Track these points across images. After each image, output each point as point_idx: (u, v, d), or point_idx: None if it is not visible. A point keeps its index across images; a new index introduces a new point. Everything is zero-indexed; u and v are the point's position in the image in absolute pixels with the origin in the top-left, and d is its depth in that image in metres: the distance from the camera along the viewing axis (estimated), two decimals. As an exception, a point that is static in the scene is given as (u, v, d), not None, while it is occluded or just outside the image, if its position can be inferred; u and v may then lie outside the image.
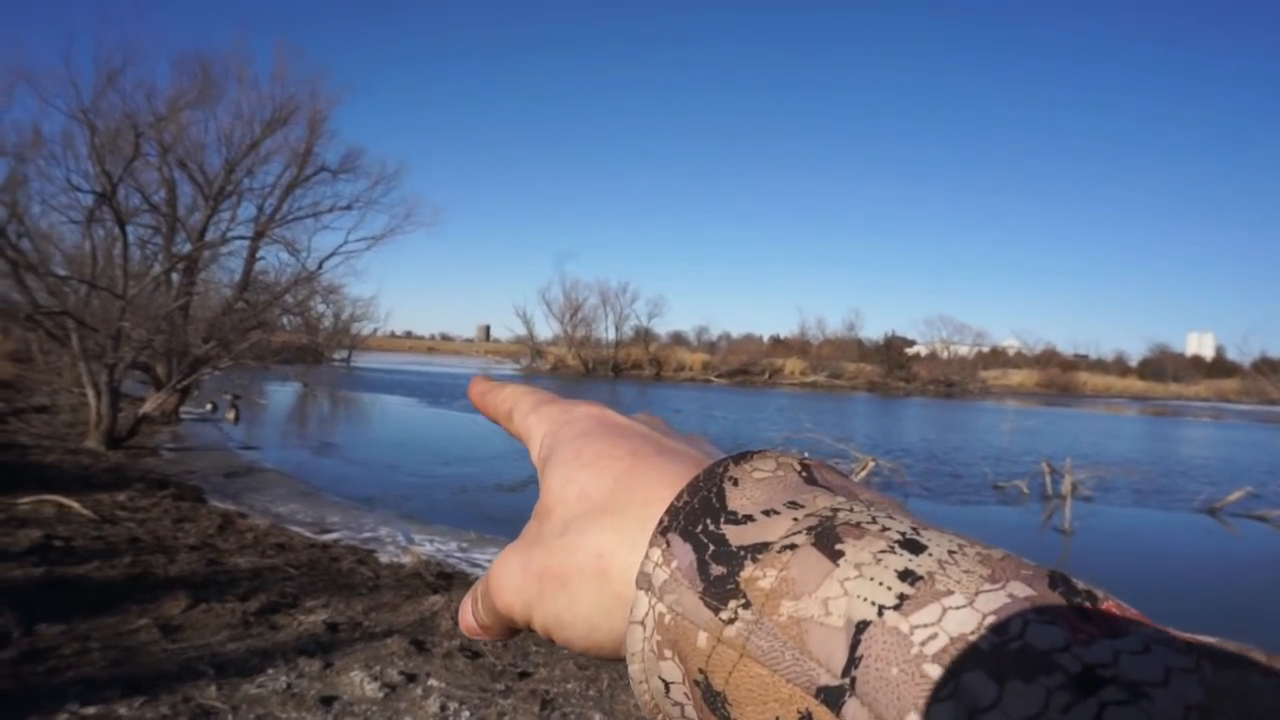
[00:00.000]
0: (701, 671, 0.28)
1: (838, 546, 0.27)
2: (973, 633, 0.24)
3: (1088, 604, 0.26)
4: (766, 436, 21.82)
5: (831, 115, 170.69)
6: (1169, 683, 0.22)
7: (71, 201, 14.67)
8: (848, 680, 0.25)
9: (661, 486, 0.34)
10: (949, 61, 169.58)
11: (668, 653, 0.29)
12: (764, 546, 0.28)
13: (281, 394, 30.43)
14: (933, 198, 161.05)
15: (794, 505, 0.30)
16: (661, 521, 0.31)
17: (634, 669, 0.31)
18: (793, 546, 0.28)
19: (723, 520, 0.30)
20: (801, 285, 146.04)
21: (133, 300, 13.56)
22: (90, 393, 13.34)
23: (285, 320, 24.19)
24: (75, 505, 7.95)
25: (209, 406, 21.56)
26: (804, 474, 0.32)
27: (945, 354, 74.73)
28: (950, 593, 0.25)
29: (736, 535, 0.29)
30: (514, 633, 0.39)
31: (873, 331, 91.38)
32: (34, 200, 14.29)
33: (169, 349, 16.05)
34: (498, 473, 14.48)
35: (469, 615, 0.40)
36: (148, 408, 15.18)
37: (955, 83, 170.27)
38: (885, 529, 0.28)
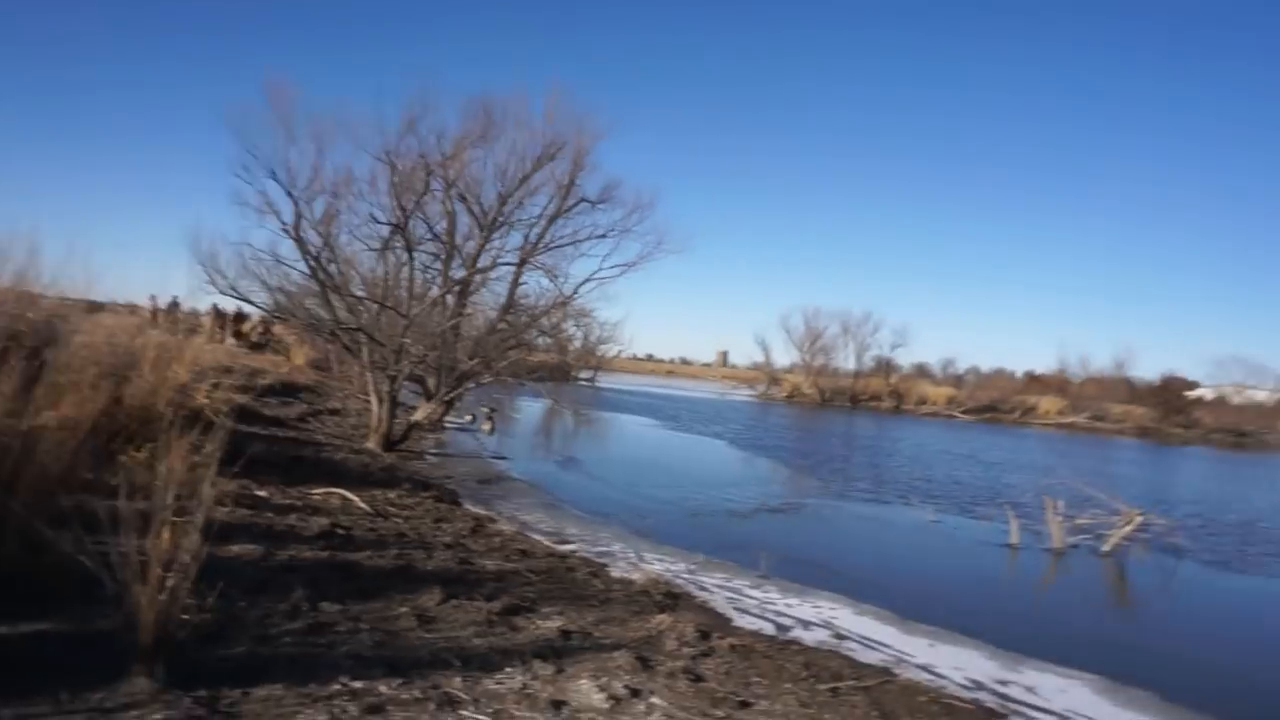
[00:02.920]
0: None
1: None
2: None
3: None
4: (1015, 481, 20.29)
5: (1097, 128, 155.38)
6: None
7: (371, 231, 16.71)
8: None
9: None
10: (1239, 66, 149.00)
11: None
12: None
13: (532, 409, 32.53)
14: (1228, 215, 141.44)
15: None
16: None
17: None
18: None
19: None
20: (1063, 317, 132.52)
21: (414, 319, 15.18)
22: (373, 399, 15.08)
23: (540, 340, 25.88)
24: (356, 499, 9.01)
25: (468, 418, 23.53)
26: None
27: (1237, 399, 65.43)
28: None
29: None
30: None
31: (1146, 371, 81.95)
32: (342, 230, 16.42)
33: (440, 364, 17.75)
34: (728, 498, 14.59)
35: None
36: (419, 416, 16.88)
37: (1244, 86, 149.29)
38: None
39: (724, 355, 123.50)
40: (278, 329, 27.63)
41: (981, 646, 7.32)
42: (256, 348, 26.82)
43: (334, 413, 18.64)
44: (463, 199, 18.07)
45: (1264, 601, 10.73)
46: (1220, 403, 64.85)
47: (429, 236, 17.93)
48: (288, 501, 8.26)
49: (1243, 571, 12.30)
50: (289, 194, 13.77)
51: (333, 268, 14.97)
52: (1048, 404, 61.09)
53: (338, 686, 3.95)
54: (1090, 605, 10.09)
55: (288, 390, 18.96)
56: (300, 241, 14.03)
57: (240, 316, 27.87)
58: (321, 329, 16.03)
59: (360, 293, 16.14)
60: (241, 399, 13.04)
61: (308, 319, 16.72)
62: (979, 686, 6.32)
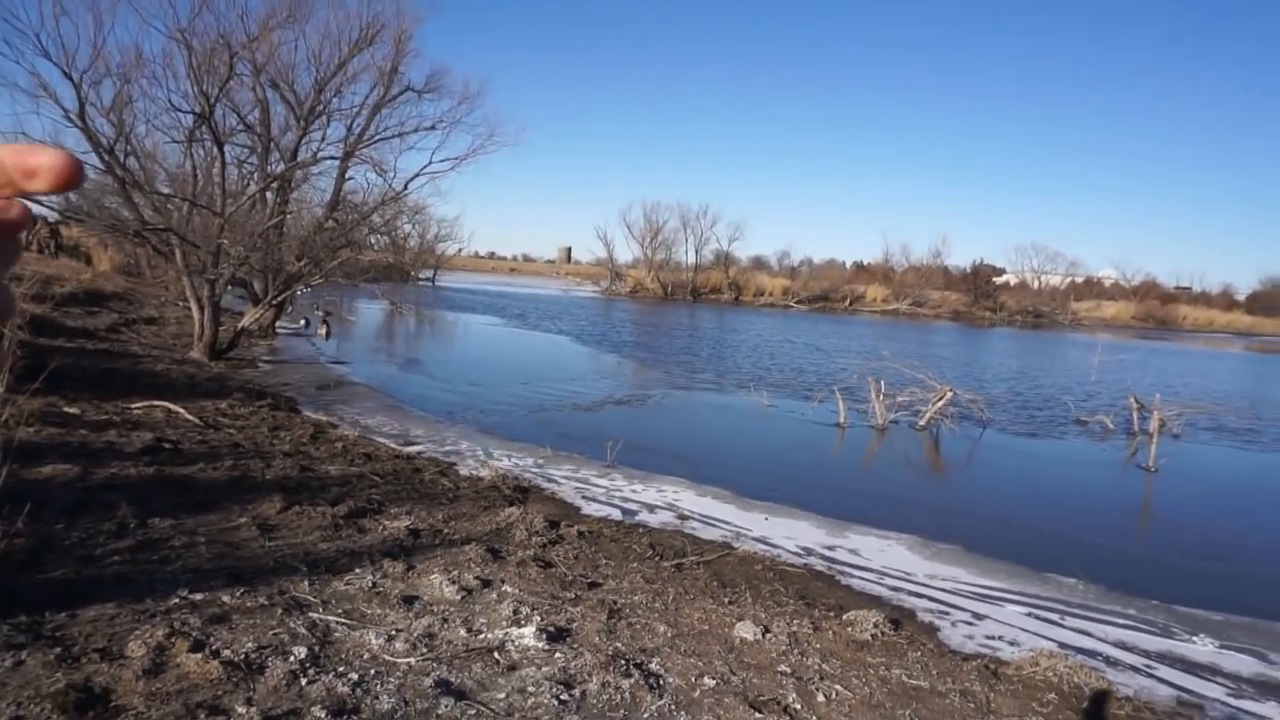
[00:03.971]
0: None
1: None
2: None
3: None
4: (846, 365, 21.61)
5: (920, 31, 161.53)
6: None
7: (173, 122, 15.18)
8: None
9: None
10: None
11: None
12: None
13: (370, 311, 31.40)
14: (1027, 117, 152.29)
15: None
16: None
17: None
18: None
19: None
20: (887, 210, 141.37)
21: (231, 218, 14.11)
22: (194, 306, 14.07)
23: (373, 239, 24.76)
24: (182, 411, 8.51)
25: (302, 322, 22.49)
26: None
27: (1035, 283, 71.95)
28: None
29: None
30: None
31: (960, 259, 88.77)
32: (139, 120, 14.80)
33: (265, 266, 16.71)
34: (574, 393, 14.79)
35: None
36: (246, 321, 15.95)
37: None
38: None
39: (567, 251, 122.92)
40: (72, 231, 25.00)
41: (812, 517, 7.92)
42: (54, 251, 24.25)
43: (150, 321, 17.28)
44: (275, 86, 16.71)
45: (1049, 461, 12.11)
46: (1022, 287, 71.06)
47: (240, 127, 16.56)
48: (104, 417, 7.69)
49: (1034, 435, 13.77)
50: (67, 75, 12.21)
51: (131, 162, 13.57)
52: (874, 292, 65.03)
53: (176, 600, 3.81)
54: (907, 474, 11.07)
55: (93, 299, 17.35)
56: (88, 131, 12.56)
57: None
58: (125, 231, 14.62)
59: (167, 190, 14.81)
60: (36, 309, 11.85)
61: (108, 220, 15.22)
62: (809, 553, 6.87)
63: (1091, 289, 78.98)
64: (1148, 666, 5.07)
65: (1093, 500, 10.02)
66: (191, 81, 13.70)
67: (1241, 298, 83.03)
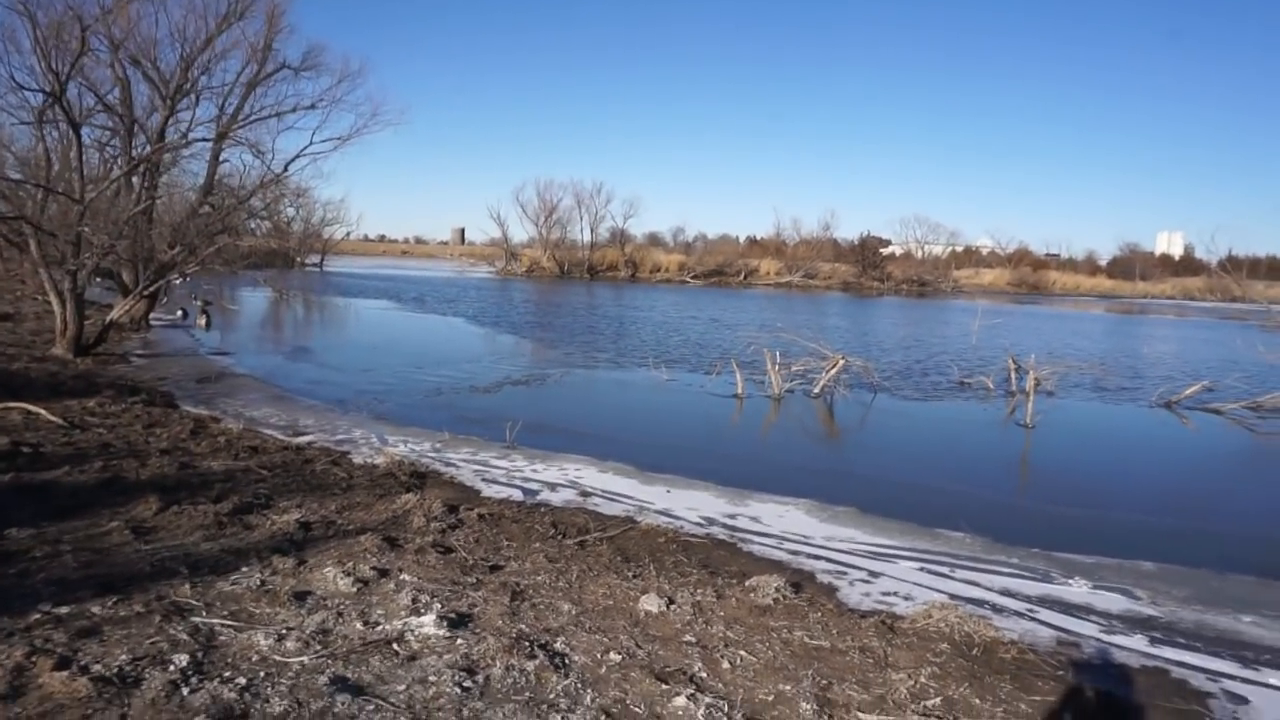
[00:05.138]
0: None
1: None
2: None
3: None
4: (745, 337, 21.94)
5: (807, 9, 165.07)
6: None
7: (20, 101, 14.07)
8: None
9: None
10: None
11: None
12: None
13: (253, 299, 30.08)
14: (909, 96, 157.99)
15: None
16: None
17: None
18: None
19: None
20: (778, 186, 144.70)
21: (91, 205, 13.18)
22: (54, 300, 13.12)
23: (253, 224, 23.66)
24: (43, 412, 7.92)
25: (179, 313, 21.32)
26: None
27: (919, 253, 74.79)
28: None
29: None
30: None
31: (848, 232, 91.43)
32: (-22, 100, 13.66)
33: (134, 255, 15.72)
34: (472, 375, 14.53)
35: None
36: (115, 314, 14.98)
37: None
38: None
39: (460, 233, 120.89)
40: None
41: (713, 488, 8.00)
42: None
43: (5, 318, 16.06)
44: (136, 63, 15.65)
45: (936, 422, 12.61)
46: (907, 257, 73.77)
47: (99, 108, 15.49)
48: (-48, 422, 7.08)
49: (921, 399, 14.31)
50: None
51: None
52: (767, 265, 66.38)
53: (38, 616, 3.53)
54: (803, 441, 11.33)
55: (-62, 296, 16.00)
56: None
57: None
58: (-28, 220, 13.50)
59: (16, 175, 13.72)
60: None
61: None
62: (711, 522, 6.94)
63: (970, 257, 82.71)
64: (1030, 611, 5.33)
65: (976, 457, 10.49)
66: (38, 57, 12.70)
67: (1104, 263, 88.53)
